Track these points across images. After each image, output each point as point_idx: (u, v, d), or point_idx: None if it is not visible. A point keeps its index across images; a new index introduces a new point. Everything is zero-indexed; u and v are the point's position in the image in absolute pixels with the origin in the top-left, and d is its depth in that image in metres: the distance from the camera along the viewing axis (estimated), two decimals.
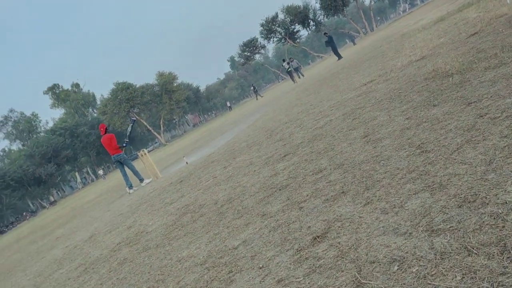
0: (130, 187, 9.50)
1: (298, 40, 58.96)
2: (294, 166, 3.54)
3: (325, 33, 25.21)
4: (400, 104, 3.78)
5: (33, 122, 70.88)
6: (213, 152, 8.50)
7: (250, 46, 61.73)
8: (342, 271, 1.58)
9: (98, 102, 74.47)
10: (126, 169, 9.82)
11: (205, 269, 2.31)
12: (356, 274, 1.51)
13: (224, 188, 4.16)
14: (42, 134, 67.87)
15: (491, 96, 2.70)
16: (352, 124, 4.00)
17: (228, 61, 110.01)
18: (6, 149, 71.75)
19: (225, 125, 19.07)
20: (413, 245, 1.51)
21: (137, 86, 59.35)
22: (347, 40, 67.20)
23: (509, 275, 1.16)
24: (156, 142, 72.16)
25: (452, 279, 1.25)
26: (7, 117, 69.78)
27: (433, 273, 1.32)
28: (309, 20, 54.28)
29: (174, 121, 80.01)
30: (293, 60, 26.67)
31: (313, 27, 55.30)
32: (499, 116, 2.30)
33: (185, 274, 2.40)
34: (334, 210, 2.19)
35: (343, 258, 1.68)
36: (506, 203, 1.49)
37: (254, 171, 4.21)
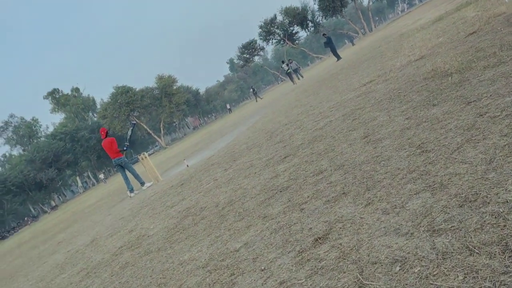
0: (131, 190, 9.50)
1: (297, 41, 59.06)
2: (294, 167, 3.54)
3: (324, 34, 25.24)
4: (399, 104, 3.79)
5: (33, 127, 70.87)
6: (214, 154, 8.50)
7: (249, 48, 61.87)
8: (344, 272, 1.58)
9: (98, 106, 74.53)
10: (127, 172, 9.82)
11: (207, 272, 2.31)
12: (358, 275, 1.51)
13: (225, 191, 4.16)
14: (42, 139, 67.88)
15: (490, 95, 2.70)
16: (352, 125, 4.00)
17: (227, 63, 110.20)
18: (7, 154, 71.79)
19: (225, 127, 19.08)
20: (414, 246, 1.51)
21: (137, 89, 59.48)
22: (346, 40, 67.37)
23: (511, 274, 1.16)
24: (157, 145, 72.13)
25: (454, 279, 1.25)
26: (7, 122, 69.82)
27: (435, 273, 1.32)
28: (308, 21, 54.39)
29: (174, 124, 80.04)
30: (292, 62, 26.70)
31: (312, 28, 55.41)
32: (499, 115, 2.30)
33: (187, 277, 2.40)
34: (335, 211, 2.19)
35: (345, 259, 1.68)
36: (507, 202, 1.49)
37: (255, 173, 4.21)
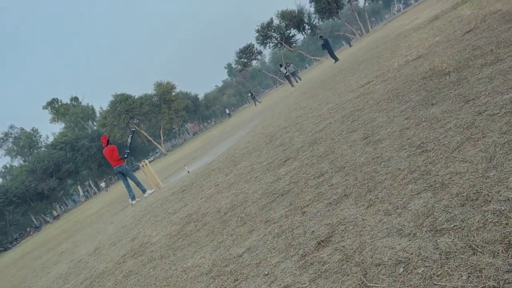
0: (133, 198, 9.49)
1: (294, 44, 59.18)
2: (295, 170, 3.54)
3: (320, 37, 25.33)
4: (398, 104, 3.79)
5: (33, 138, 70.88)
6: (214, 160, 8.50)
7: (247, 53, 61.93)
8: (348, 275, 1.58)
9: (98, 115, 74.64)
10: (129, 180, 9.82)
11: (210, 278, 2.30)
12: (362, 277, 1.51)
13: (227, 196, 4.16)
14: (43, 149, 67.88)
15: (489, 93, 2.71)
16: (351, 126, 4.01)
17: (225, 68, 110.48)
18: (8, 165, 71.74)
19: (225, 132, 19.09)
20: (417, 246, 1.51)
21: (136, 97, 59.63)
22: (343, 42, 67.50)
23: None
24: (157, 152, 72.17)
25: (458, 279, 1.24)
26: (7, 133, 69.86)
27: (439, 273, 1.31)
28: (304, 24, 54.51)
29: (174, 130, 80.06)
30: (289, 65, 26.78)
31: (309, 31, 55.50)
32: (498, 113, 2.30)
33: (190, 284, 2.39)
34: (337, 214, 2.19)
35: (348, 261, 1.67)
36: (509, 200, 1.49)
37: (256, 177, 4.21)
